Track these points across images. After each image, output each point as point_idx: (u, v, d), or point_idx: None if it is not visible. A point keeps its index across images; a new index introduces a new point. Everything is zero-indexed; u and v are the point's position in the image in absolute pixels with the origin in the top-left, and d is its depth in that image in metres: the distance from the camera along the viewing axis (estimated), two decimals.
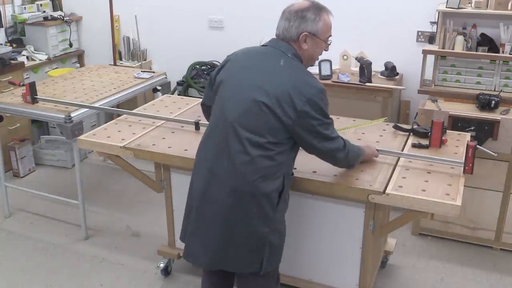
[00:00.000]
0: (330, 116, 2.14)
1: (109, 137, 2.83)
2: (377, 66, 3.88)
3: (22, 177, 4.34)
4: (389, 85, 3.71)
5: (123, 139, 2.78)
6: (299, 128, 2.04)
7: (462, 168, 2.35)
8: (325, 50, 2.18)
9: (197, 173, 2.19)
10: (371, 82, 3.72)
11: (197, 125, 2.87)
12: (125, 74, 4.11)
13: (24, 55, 4.66)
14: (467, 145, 2.32)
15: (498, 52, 3.33)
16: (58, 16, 4.91)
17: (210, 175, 2.10)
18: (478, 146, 2.36)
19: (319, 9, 2.09)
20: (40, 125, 4.76)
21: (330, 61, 3.87)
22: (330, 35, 2.15)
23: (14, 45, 4.65)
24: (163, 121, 3.00)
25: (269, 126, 2.01)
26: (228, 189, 2.06)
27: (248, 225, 2.08)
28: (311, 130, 2.06)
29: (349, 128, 2.82)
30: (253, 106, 2.03)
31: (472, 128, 3.10)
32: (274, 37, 2.17)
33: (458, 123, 3.14)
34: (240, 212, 2.07)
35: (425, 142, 2.65)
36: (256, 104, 2.02)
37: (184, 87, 4.52)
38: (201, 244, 2.16)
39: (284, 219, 2.21)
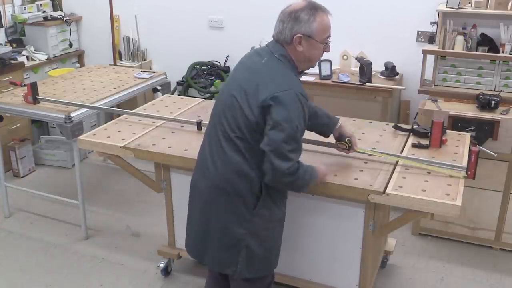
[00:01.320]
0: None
1: (109, 137, 2.83)
2: (377, 66, 3.88)
3: (22, 177, 4.34)
4: (389, 85, 3.71)
5: (123, 139, 2.78)
6: (262, 126, 1.98)
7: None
8: (325, 51, 2.10)
9: (197, 167, 2.25)
10: (371, 82, 3.72)
11: (199, 125, 2.87)
12: (125, 74, 4.11)
13: (24, 55, 4.67)
14: (470, 150, 2.31)
15: (498, 52, 3.33)
16: (58, 16, 4.91)
17: (203, 169, 2.16)
18: (478, 146, 2.36)
19: (314, 9, 2.01)
20: (40, 125, 4.77)
21: (330, 61, 3.87)
22: (329, 36, 2.07)
23: (14, 45, 4.66)
24: (163, 121, 3.00)
25: (237, 120, 2.02)
26: (210, 183, 2.12)
27: (221, 221, 2.12)
28: (268, 129, 1.96)
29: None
30: (229, 100, 2.06)
31: (472, 128, 3.10)
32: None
33: (458, 123, 3.14)
34: (214, 207, 2.13)
35: (425, 142, 2.65)
36: (231, 98, 2.05)
37: (184, 87, 4.52)
38: (188, 234, 2.29)
39: (272, 228, 2.17)
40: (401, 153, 2.57)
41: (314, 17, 1.99)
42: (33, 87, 3.34)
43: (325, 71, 3.87)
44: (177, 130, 2.91)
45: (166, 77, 4.15)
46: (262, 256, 2.18)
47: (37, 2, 4.93)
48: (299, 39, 2.01)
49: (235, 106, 2.02)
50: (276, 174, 1.96)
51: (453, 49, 3.36)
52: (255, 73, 2.04)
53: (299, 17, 1.99)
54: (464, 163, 2.38)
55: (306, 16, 1.99)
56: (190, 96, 4.27)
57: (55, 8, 5.07)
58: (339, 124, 2.43)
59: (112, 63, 4.87)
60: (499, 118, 3.08)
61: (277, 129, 1.92)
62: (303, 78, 3.90)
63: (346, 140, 2.39)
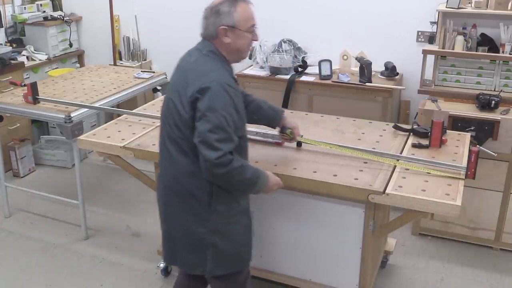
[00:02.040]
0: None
1: (109, 137, 2.83)
2: (377, 66, 3.88)
3: (22, 177, 4.35)
4: (389, 85, 3.71)
5: (123, 139, 2.78)
6: (194, 122, 1.99)
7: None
8: (254, 40, 2.13)
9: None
10: (371, 82, 3.72)
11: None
12: (125, 74, 4.11)
13: (24, 55, 4.67)
14: (470, 150, 2.31)
15: (498, 52, 3.33)
16: (58, 16, 4.91)
17: (160, 171, 2.22)
18: (478, 146, 2.36)
19: (234, 1, 2.05)
20: (40, 125, 4.77)
21: (330, 61, 3.87)
22: (254, 25, 2.11)
23: (14, 45, 4.66)
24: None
25: (176, 121, 2.05)
26: (162, 185, 2.18)
27: (180, 223, 2.14)
28: (197, 122, 1.96)
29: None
30: (168, 103, 2.10)
31: (472, 128, 3.10)
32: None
33: (458, 123, 3.14)
34: (171, 209, 2.16)
35: (425, 142, 2.65)
36: (168, 101, 2.10)
37: None
38: (162, 239, 2.29)
39: (235, 223, 2.16)
40: (401, 153, 2.57)
41: (234, 7, 2.03)
42: (33, 87, 3.35)
43: (325, 71, 3.87)
44: None
45: (166, 77, 4.15)
46: (231, 252, 2.17)
47: (37, 2, 4.94)
48: (223, 31, 2.03)
49: (172, 108, 2.06)
50: (207, 165, 1.94)
51: (453, 49, 3.36)
52: (185, 72, 2.08)
53: (219, 10, 2.02)
54: (464, 163, 2.38)
55: (227, 8, 2.02)
56: None
57: (55, 8, 5.07)
58: (283, 116, 2.48)
59: (112, 63, 4.87)
60: (499, 118, 3.08)
61: (203, 119, 1.93)
62: (304, 78, 3.91)
63: (288, 131, 2.46)
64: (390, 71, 3.84)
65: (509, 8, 3.21)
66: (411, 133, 2.78)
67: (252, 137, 2.70)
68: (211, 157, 1.91)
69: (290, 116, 3.07)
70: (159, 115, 3.04)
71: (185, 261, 2.21)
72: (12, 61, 4.39)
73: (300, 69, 4.00)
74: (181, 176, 2.08)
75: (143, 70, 4.29)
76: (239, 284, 2.30)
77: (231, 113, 1.96)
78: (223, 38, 2.04)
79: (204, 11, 2.08)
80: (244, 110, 2.13)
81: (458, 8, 3.33)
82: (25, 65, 4.50)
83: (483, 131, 3.10)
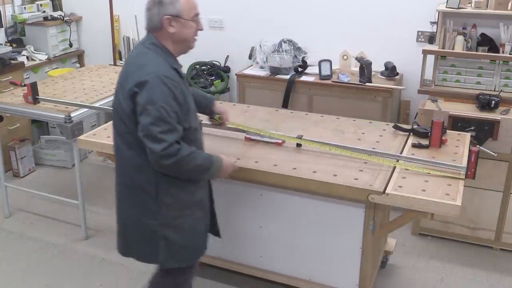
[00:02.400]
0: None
1: (109, 137, 2.83)
2: (377, 66, 3.88)
3: (22, 177, 4.35)
4: (389, 85, 3.71)
5: None
6: (136, 115, 2.00)
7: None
8: (199, 30, 2.14)
9: None
10: (371, 82, 3.72)
11: (199, 125, 2.87)
12: None
13: (24, 55, 4.67)
14: (470, 150, 2.31)
15: (498, 52, 3.33)
16: (58, 16, 4.91)
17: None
18: (478, 146, 2.36)
19: None
20: (40, 125, 4.77)
21: (330, 61, 3.87)
22: (197, 14, 2.11)
23: (14, 45, 4.66)
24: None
25: (121, 115, 2.07)
26: (116, 180, 2.22)
27: (132, 215, 2.18)
28: (139, 116, 1.98)
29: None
30: (114, 99, 2.14)
31: (472, 128, 3.10)
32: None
33: (458, 123, 3.14)
34: (123, 202, 2.21)
35: (425, 142, 2.65)
36: (115, 96, 2.14)
37: None
38: (116, 231, 2.33)
39: (187, 215, 2.17)
40: (401, 153, 2.57)
41: None
42: (33, 87, 3.35)
43: (325, 71, 3.87)
44: None
45: None
46: (183, 244, 2.19)
47: (37, 2, 4.94)
48: (168, 21, 2.04)
49: (117, 102, 2.10)
50: (154, 158, 1.97)
51: (453, 49, 3.36)
52: (127, 66, 2.12)
53: (162, 1, 2.03)
54: (464, 163, 2.38)
55: None
56: None
57: (55, 8, 5.07)
58: (215, 103, 2.57)
59: (112, 63, 4.87)
60: (499, 118, 3.08)
61: (144, 113, 1.95)
62: (304, 78, 3.91)
63: (216, 117, 2.57)
64: (390, 71, 3.85)
65: (509, 8, 3.21)
66: (411, 133, 2.78)
67: (252, 137, 2.70)
68: (157, 150, 1.93)
69: (290, 116, 3.08)
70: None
71: (138, 253, 2.25)
72: (12, 61, 4.39)
73: (300, 69, 4.00)
74: (128, 169, 2.11)
75: None
76: (184, 279, 2.35)
77: (171, 104, 1.97)
78: (168, 28, 2.05)
79: (147, 3, 2.08)
80: (189, 100, 2.12)
81: (458, 8, 3.33)
82: (25, 65, 4.50)
83: (483, 131, 3.10)
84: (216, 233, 2.51)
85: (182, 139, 2.02)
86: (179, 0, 2.03)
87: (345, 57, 4.05)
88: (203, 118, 2.57)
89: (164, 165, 1.98)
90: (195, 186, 2.19)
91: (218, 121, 2.59)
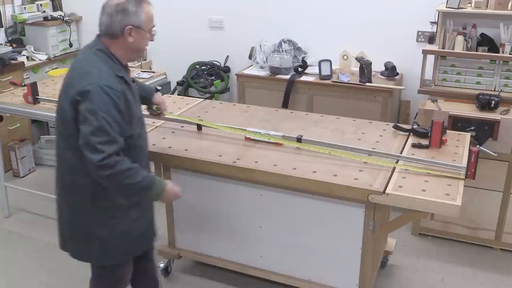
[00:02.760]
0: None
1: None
2: (377, 66, 3.88)
3: (22, 177, 4.35)
4: (389, 85, 3.71)
5: None
6: (75, 122, 2.01)
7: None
8: (150, 41, 2.18)
9: None
10: (371, 82, 3.72)
11: (199, 125, 2.87)
12: None
13: (24, 55, 4.67)
14: (470, 150, 2.31)
15: (498, 52, 3.33)
16: (58, 16, 4.91)
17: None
18: (478, 146, 2.36)
19: (139, 1, 2.08)
20: (40, 125, 4.76)
21: (330, 61, 3.87)
22: (153, 26, 2.16)
23: (14, 45, 4.66)
24: (163, 121, 3.00)
25: (61, 116, 2.08)
26: (56, 178, 2.23)
27: (68, 214, 2.21)
28: (81, 124, 1.98)
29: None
30: (58, 100, 2.13)
31: (472, 128, 3.10)
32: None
33: (458, 123, 3.14)
34: (61, 201, 2.23)
35: (425, 142, 2.65)
36: (59, 97, 2.13)
37: (184, 87, 4.52)
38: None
39: (122, 216, 2.18)
40: (401, 153, 2.57)
41: (141, 8, 2.06)
42: (33, 87, 3.34)
43: (325, 71, 3.87)
44: (177, 130, 2.91)
45: (166, 77, 4.15)
46: (118, 244, 2.21)
47: (37, 2, 4.94)
48: (129, 30, 2.05)
49: (60, 105, 2.10)
50: (92, 168, 1.97)
51: (453, 49, 3.36)
52: (72, 71, 2.12)
53: (127, 10, 2.03)
54: (464, 163, 2.38)
55: (134, 8, 2.04)
56: (190, 96, 4.27)
57: (55, 8, 5.07)
58: (154, 94, 2.60)
59: None
60: (499, 118, 3.08)
61: (85, 123, 1.96)
62: (304, 78, 3.91)
63: (154, 107, 2.60)
64: (390, 71, 3.85)
65: (509, 8, 3.21)
66: (411, 133, 2.78)
67: (252, 137, 2.70)
68: (95, 160, 1.93)
69: (290, 116, 3.08)
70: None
71: (73, 250, 2.29)
72: (12, 61, 4.39)
73: (300, 69, 4.00)
74: (66, 170, 2.13)
75: (143, 70, 4.29)
76: (119, 276, 2.37)
77: (113, 114, 1.96)
78: (127, 37, 2.06)
79: (107, 8, 2.06)
80: (134, 107, 2.11)
81: (458, 8, 3.33)
82: (25, 65, 4.50)
83: (483, 131, 3.10)
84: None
85: (127, 146, 2.03)
86: (142, 12, 2.06)
87: (345, 57, 4.05)
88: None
89: (101, 176, 1.98)
90: (134, 197, 2.20)
91: (156, 111, 2.63)
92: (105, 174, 1.96)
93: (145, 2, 2.10)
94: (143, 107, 2.47)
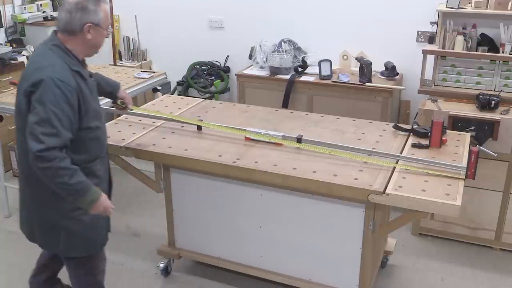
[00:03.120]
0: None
1: (109, 137, 2.83)
2: (377, 66, 3.88)
3: None
4: (389, 85, 3.71)
5: (123, 139, 2.78)
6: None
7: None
8: (106, 38, 2.25)
9: None
10: (371, 82, 3.72)
11: (199, 126, 2.87)
12: (125, 74, 4.11)
13: (24, 55, 4.66)
14: (470, 150, 2.31)
15: (498, 52, 3.33)
16: None
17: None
18: (478, 146, 2.36)
19: (98, 0, 2.14)
20: None
21: (330, 61, 3.87)
22: (110, 23, 2.24)
23: (14, 45, 4.66)
24: (163, 121, 3.00)
25: (19, 110, 2.12)
26: (19, 170, 2.27)
27: (33, 206, 2.24)
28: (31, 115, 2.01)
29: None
30: (17, 93, 2.16)
31: (472, 128, 3.10)
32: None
33: (458, 123, 3.14)
34: (25, 193, 2.26)
35: (425, 142, 2.65)
36: (17, 91, 2.16)
37: (184, 87, 4.52)
38: (20, 215, 2.37)
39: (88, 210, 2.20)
40: (401, 153, 2.57)
41: (99, 7, 2.14)
42: None
43: (325, 71, 3.87)
44: (177, 130, 2.91)
45: (166, 77, 4.15)
46: (82, 235, 2.25)
47: (37, 2, 4.94)
48: (88, 27, 2.11)
49: (17, 99, 2.14)
50: (30, 157, 1.98)
51: (453, 49, 3.36)
52: (28, 65, 2.16)
53: (86, 8, 2.09)
54: (464, 163, 2.38)
55: (93, 6, 2.11)
56: (190, 96, 4.28)
57: (55, 8, 5.06)
58: (119, 89, 2.68)
59: (112, 63, 4.87)
60: (499, 118, 3.08)
61: (33, 112, 1.99)
62: (304, 78, 3.91)
63: (119, 102, 2.68)
64: (390, 71, 3.85)
65: (509, 8, 3.21)
66: (411, 133, 2.78)
67: (252, 137, 2.70)
68: (34, 149, 1.95)
69: (290, 116, 3.08)
70: (159, 115, 3.08)
71: (41, 241, 2.33)
72: (12, 61, 4.39)
73: (300, 69, 4.00)
74: (27, 162, 2.12)
75: (143, 70, 4.29)
76: (91, 267, 2.42)
77: (62, 108, 1.99)
78: (86, 34, 2.12)
79: (67, 5, 2.11)
80: (90, 101, 2.15)
81: (458, 8, 3.33)
82: (25, 65, 4.50)
83: (483, 131, 3.10)
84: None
85: (84, 138, 2.11)
86: (100, 11, 2.14)
87: (345, 57, 4.05)
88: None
89: (36, 166, 1.99)
90: (93, 182, 2.21)
91: (121, 106, 2.70)
92: (41, 166, 1.98)
93: (103, 1, 2.17)
94: (108, 100, 2.62)
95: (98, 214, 2.19)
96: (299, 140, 2.61)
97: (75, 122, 2.05)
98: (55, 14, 4.93)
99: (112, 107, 2.78)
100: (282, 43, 4.06)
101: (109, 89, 2.63)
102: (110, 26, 2.24)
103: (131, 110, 2.83)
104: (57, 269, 2.66)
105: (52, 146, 1.95)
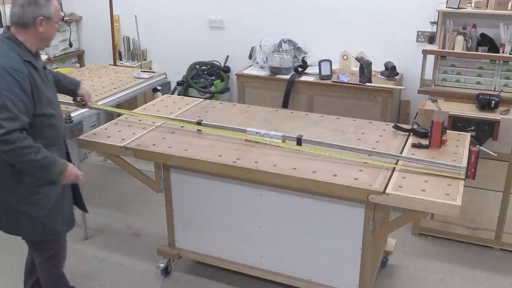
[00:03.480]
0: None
1: (109, 137, 2.83)
2: (377, 66, 3.88)
3: None
4: (389, 85, 3.71)
5: (123, 139, 2.78)
6: None
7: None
8: (58, 31, 2.37)
9: None
10: (371, 82, 3.72)
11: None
12: (125, 74, 4.11)
13: None
14: (470, 150, 2.31)
15: (498, 52, 3.33)
16: None
17: None
18: (478, 146, 2.36)
19: None
20: None
21: (330, 61, 3.87)
22: (60, 17, 2.34)
23: None
24: (163, 121, 3.00)
25: None
26: None
27: None
28: None
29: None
30: None
31: (472, 128, 3.10)
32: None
33: (458, 123, 3.14)
34: None
35: (425, 142, 2.65)
36: None
37: (184, 87, 4.52)
38: None
39: (44, 192, 2.32)
40: (401, 153, 2.57)
41: (50, 1, 2.24)
42: None
43: (325, 71, 3.87)
44: (177, 130, 2.91)
45: (166, 77, 4.15)
46: (44, 219, 2.35)
47: None
48: (40, 21, 2.21)
49: None
50: None
51: (453, 49, 3.36)
52: None
53: (38, 2, 2.20)
54: (464, 163, 2.38)
55: (44, 1, 2.22)
56: (190, 96, 4.28)
57: None
58: (79, 86, 2.79)
59: (112, 63, 4.87)
60: (499, 118, 3.08)
61: None
62: (304, 78, 3.92)
63: (78, 98, 2.78)
64: (390, 71, 3.85)
65: (509, 8, 3.21)
66: (411, 133, 2.78)
67: (252, 137, 2.70)
68: None
69: (290, 116, 3.08)
70: (159, 115, 3.08)
71: (3, 225, 2.42)
72: None
73: (300, 69, 4.00)
74: None
75: (143, 70, 4.29)
76: (53, 252, 2.51)
77: (17, 94, 2.11)
78: (38, 27, 2.21)
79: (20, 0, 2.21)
80: (44, 90, 2.24)
81: (458, 8, 3.33)
82: None
83: (483, 131, 3.10)
84: (81, 207, 2.69)
85: (39, 125, 2.21)
86: (51, 5, 2.24)
87: (345, 57, 4.05)
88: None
89: (2, 150, 2.11)
90: (35, 175, 2.29)
91: (80, 102, 2.80)
92: (6, 149, 2.09)
93: None
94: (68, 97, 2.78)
95: (71, 182, 2.35)
96: (299, 140, 2.61)
97: (30, 107, 2.16)
98: None
99: (73, 104, 2.87)
100: (282, 43, 4.06)
101: (70, 87, 2.74)
102: (60, 21, 2.34)
103: (93, 106, 2.96)
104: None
105: (12, 129, 2.07)
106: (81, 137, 2.89)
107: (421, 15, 3.84)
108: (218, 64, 4.67)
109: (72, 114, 3.23)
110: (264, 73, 4.06)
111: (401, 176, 2.33)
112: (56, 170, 2.23)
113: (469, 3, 3.41)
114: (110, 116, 4.41)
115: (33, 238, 2.44)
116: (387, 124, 2.97)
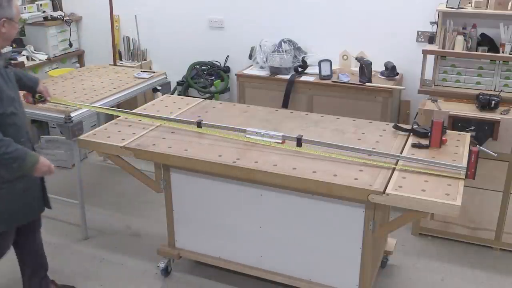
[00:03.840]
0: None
1: (109, 137, 2.83)
2: (377, 66, 3.88)
3: None
4: (389, 85, 3.72)
5: (123, 139, 2.78)
6: None
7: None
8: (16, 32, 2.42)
9: None
10: (371, 82, 3.72)
11: (199, 125, 2.87)
12: (125, 74, 4.11)
13: (24, 55, 4.67)
14: (470, 150, 2.31)
15: (498, 52, 3.33)
16: (58, 16, 4.91)
17: None
18: (478, 146, 2.36)
19: None
20: (40, 125, 4.76)
21: (330, 61, 3.87)
22: (19, 18, 2.43)
23: (14, 45, 4.65)
24: (163, 121, 3.00)
25: None
26: None
27: None
28: None
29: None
30: None
31: (472, 128, 3.10)
32: None
33: (458, 123, 3.14)
34: None
35: (425, 142, 2.65)
36: None
37: (184, 87, 4.52)
38: None
39: (7, 189, 2.37)
40: (401, 153, 2.57)
41: (12, 3, 2.33)
42: None
43: (325, 71, 3.87)
44: (177, 130, 2.91)
45: (166, 77, 4.15)
46: (1, 211, 2.40)
47: (37, 2, 4.93)
48: (3, 22, 2.29)
49: None
50: None
51: (453, 49, 3.37)
52: None
53: (1, 4, 2.28)
54: (464, 163, 2.38)
55: (6, 3, 2.30)
56: (190, 96, 4.28)
57: (55, 8, 5.07)
58: (39, 84, 2.87)
59: (112, 63, 4.87)
60: (499, 118, 3.08)
61: None
62: (304, 78, 3.92)
63: (37, 96, 2.86)
64: (390, 71, 3.85)
65: (509, 8, 3.21)
66: (411, 133, 2.77)
67: (252, 137, 2.70)
68: None
69: (290, 116, 3.08)
70: (159, 115, 3.08)
71: None
72: (12, 61, 4.39)
73: (300, 69, 4.00)
74: None
75: (143, 70, 4.29)
76: (2, 243, 2.59)
77: None
78: (1, 28, 2.29)
79: None
80: (5, 89, 2.29)
81: (458, 8, 3.33)
82: (25, 65, 4.50)
83: (483, 131, 3.10)
84: (46, 204, 2.66)
85: (1, 123, 2.25)
86: (13, 6, 2.33)
87: (345, 57, 4.05)
88: None
89: None
90: (7, 168, 2.32)
91: (39, 99, 2.88)
92: None
93: None
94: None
95: (43, 174, 2.39)
96: (299, 140, 2.61)
97: None
98: (55, 14, 4.93)
99: (33, 101, 2.92)
100: (282, 43, 4.06)
101: (30, 84, 2.83)
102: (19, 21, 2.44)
103: (92, 107, 3.14)
104: (31, 275, 2.81)
105: None
106: (81, 137, 2.89)
107: (421, 15, 3.85)
108: (218, 64, 4.67)
109: (72, 114, 3.23)
110: (264, 73, 4.06)
111: (401, 176, 2.33)
112: (29, 162, 2.28)
113: (469, 3, 3.41)
114: (110, 116, 4.40)
115: None
116: (387, 124, 2.97)
